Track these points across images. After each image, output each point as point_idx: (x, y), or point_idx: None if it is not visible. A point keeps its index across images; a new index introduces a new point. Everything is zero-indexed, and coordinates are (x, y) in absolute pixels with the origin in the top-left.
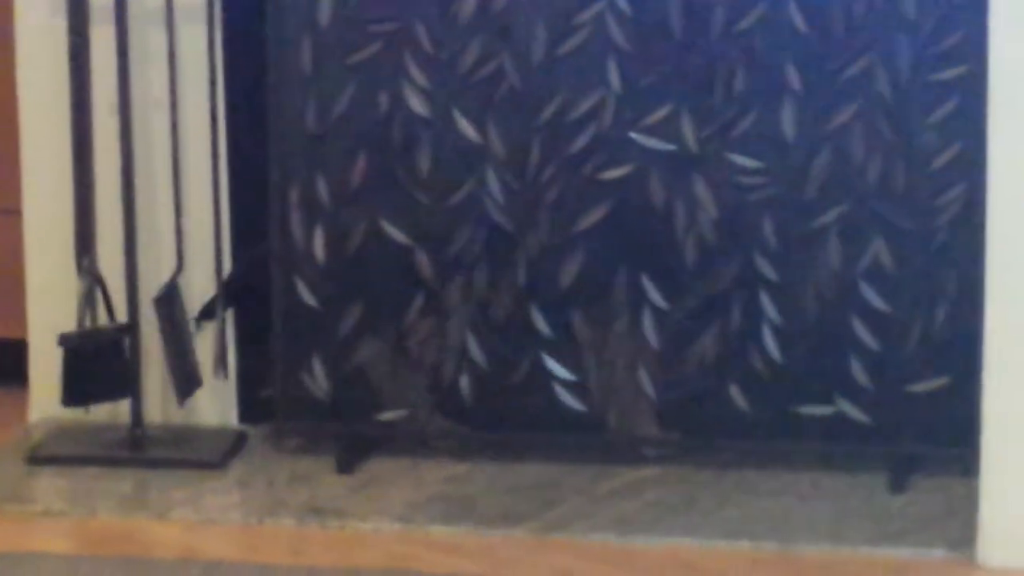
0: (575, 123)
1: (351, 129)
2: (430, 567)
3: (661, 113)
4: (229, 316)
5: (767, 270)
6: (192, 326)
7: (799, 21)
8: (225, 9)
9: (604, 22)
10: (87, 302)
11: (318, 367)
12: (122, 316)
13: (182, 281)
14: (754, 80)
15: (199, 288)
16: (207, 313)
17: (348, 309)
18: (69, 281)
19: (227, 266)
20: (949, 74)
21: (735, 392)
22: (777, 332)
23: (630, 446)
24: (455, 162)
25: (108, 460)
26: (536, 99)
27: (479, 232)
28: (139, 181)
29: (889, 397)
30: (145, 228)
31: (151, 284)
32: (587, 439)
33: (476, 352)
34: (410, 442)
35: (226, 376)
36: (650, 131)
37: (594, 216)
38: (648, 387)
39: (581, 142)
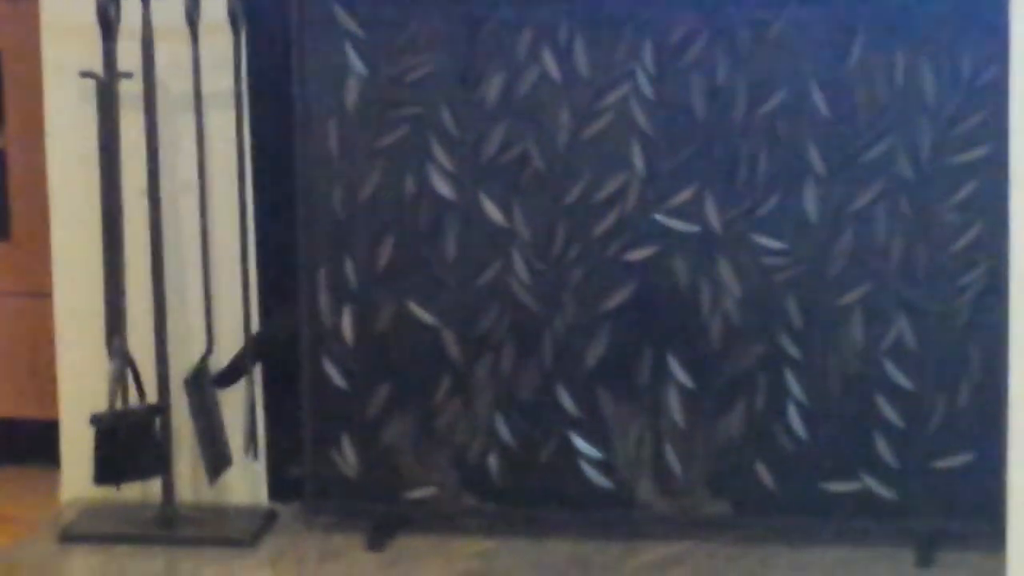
0: (600, 205)
1: (378, 212)
2: None
3: (685, 195)
4: (259, 396)
5: (792, 349)
6: (217, 396)
7: (821, 104)
8: (252, 94)
9: (628, 106)
10: (118, 383)
11: (347, 446)
12: (153, 397)
13: (212, 362)
14: (777, 162)
15: None
16: (229, 374)
17: (376, 389)
18: (100, 362)
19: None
20: (970, 156)
21: (761, 469)
22: (802, 410)
23: (657, 523)
24: (481, 244)
25: (140, 538)
26: (561, 182)
27: (505, 313)
28: (169, 264)
29: (914, 473)
30: (175, 310)
31: (181, 365)
32: (614, 516)
33: (504, 431)
34: (439, 520)
35: (256, 455)
36: (674, 213)
37: (619, 297)
38: (675, 465)
39: (606, 224)
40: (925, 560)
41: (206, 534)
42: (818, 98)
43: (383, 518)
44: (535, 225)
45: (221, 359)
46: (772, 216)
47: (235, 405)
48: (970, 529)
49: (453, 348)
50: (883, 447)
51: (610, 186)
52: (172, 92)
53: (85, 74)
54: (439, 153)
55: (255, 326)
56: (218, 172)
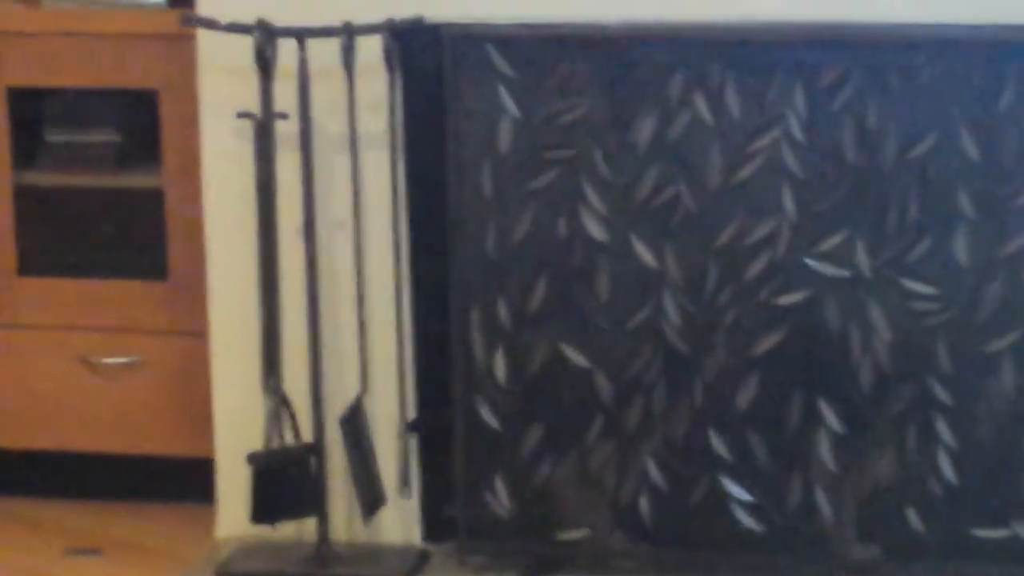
0: (751, 249)
1: (531, 254)
2: None
3: (836, 239)
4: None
5: (942, 394)
6: (372, 435)
7: (971, 149)
8: (407, 136)
9: (779, 149)
10: (274, 421)
11: (500, 486)
12: (308, 435)
13: (366, 401)
14: (927, 207)
15: (383, 408)
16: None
17: (530, 430)
18: (255, 401)
19: (410, 388)
20: None
21: (911, 514)
22: (952, 455)
23: (807, 566)
24: (633, 286)
25: None
26: (712, 225)
27: (657, 355)
28: (324, 303)
29: None
30: (330, 349)
31: (336, 404)
32: (765, 559)
33: (655, 473)
34: (592, 561)
35: (410, 495)
36: (825, 257)
37: (770, 341)
38: (825, 509)
39: (757, 267)
40: None
41: (360, 573)
42: (968, 142)
43: (536, 558)
44: (686, 268)
45: (375, 398)
46: (922, 261)
47: (389, 444)
48: None
49: (605, 390)
50: None
51: (761, 230)
52: (328, 132)
53: (242, 114)
54: (591, 195)
55: (409, 368)
56: (373, 212)
